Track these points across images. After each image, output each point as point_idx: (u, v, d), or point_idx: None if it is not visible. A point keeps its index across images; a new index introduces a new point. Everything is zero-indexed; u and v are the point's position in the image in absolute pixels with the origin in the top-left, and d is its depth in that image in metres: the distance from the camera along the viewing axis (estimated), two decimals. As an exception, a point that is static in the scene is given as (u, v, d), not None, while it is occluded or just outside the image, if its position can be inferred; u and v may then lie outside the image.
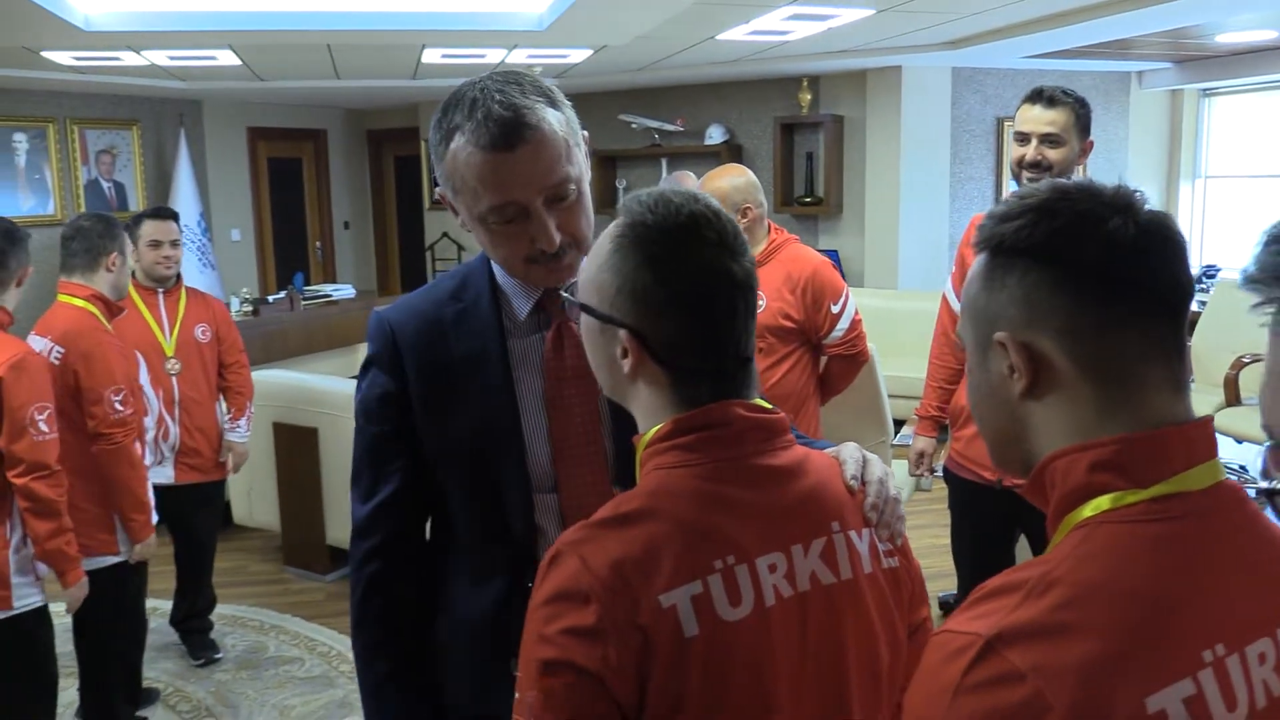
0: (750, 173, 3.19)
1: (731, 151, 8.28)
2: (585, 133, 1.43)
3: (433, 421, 1.45)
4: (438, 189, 1.45)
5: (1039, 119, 2.71)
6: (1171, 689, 0.76)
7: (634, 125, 8.46)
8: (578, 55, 6.93)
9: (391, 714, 1.51)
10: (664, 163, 8.57)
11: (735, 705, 0.97)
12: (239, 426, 3.90)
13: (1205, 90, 7.93)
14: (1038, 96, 2.76)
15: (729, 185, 3.10)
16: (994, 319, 0.89)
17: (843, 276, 3.18)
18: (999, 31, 6.29)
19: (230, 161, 9.20)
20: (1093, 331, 0.85)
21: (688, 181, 3.12)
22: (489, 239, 1.39)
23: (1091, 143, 2.79)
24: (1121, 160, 8.00)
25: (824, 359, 3.18)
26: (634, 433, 1.43)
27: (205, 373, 3.82)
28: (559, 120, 1.35)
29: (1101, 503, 0.83)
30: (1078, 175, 2.79)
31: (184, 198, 8.06)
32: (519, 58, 7.05)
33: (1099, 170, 7.94)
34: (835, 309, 3.06)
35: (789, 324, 3.04)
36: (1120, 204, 0.86)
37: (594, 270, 1.10)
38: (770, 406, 1.10)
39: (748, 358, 1.09)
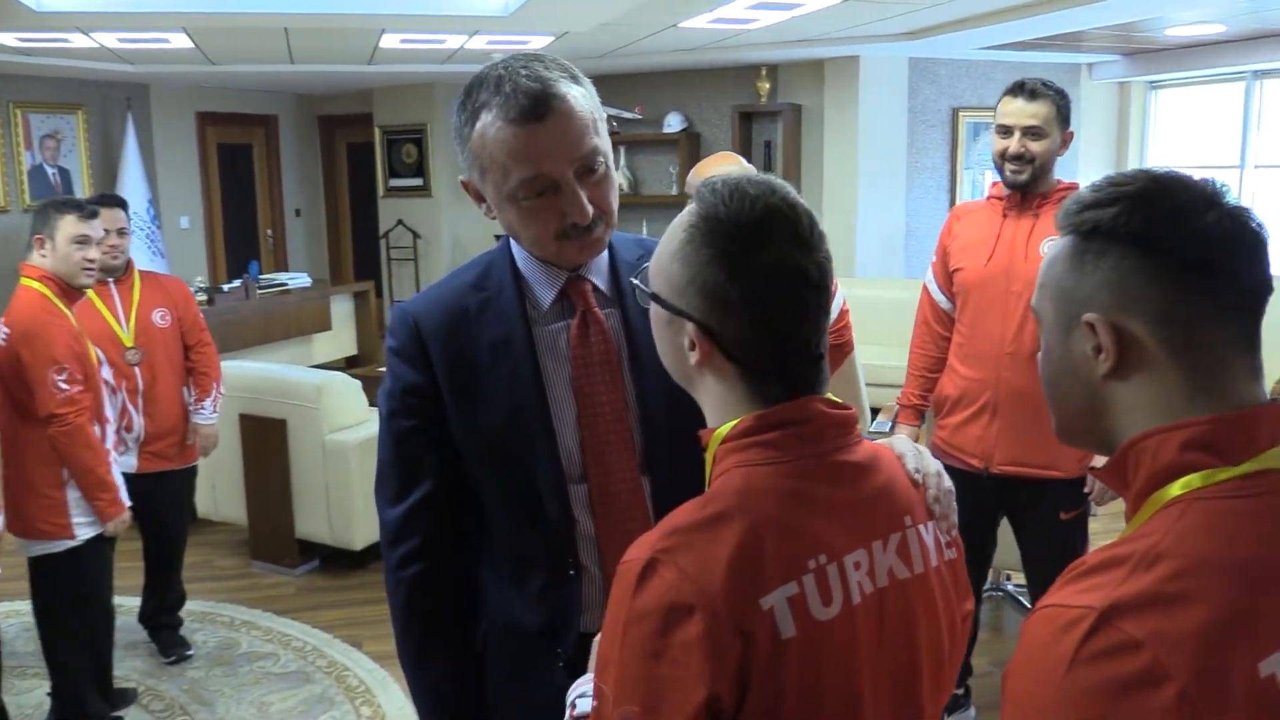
0: (744, 161, 3.20)
1: (690, 140, 8.29)
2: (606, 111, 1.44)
3: (462, 413, 1.44)
4: (461, 176, 1.44)
5: (1022, 111, 2.75)
6: (1278, 654, 0.79)
7: (592, 113, 8.43)
8: (539, 42, 6.88)
9: (449, 717, 1.50)
10: (622, 151, 8.55)
11: (828, 702, 0.98)
12: (204, 408, 3.79)
13: (1152, 83, 8.11)
14: (1019, 89, 2.79)
15: (725, 175, 3.10)
16: (1083, 300, 0.91)
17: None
18: (956, 23, 6.38)
19: (179, 147, 8.99)
20: (1184, 319, 0.87)
21: (727, 163, 3.08)
22: (518, 217, 1.37)
23: (1071, 133, 2.83)
24: (1070, 149, 8.16)
25: None
26: (664, 422, 1.44)
27: (169, 359, 3.72)
28: (583, 95, 1.35)
29: (1193, 480, 0.85)
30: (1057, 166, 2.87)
31: (131, 184, 7.86)
32: (479, 44, 6.99)
33: (1050, 160, 8.09)
34: None
35: None
36: (1213, 197, 0.89)
37: (665, 259, 1.08)
38: (841, 401, 1.09)
39: (820, 355, 1.07)
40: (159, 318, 3.71)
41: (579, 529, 1.44)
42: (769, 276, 1.02)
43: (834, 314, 3.05)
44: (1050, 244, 0.99)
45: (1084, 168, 8.23)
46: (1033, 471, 2.77)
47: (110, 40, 6.44)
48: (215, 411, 3.83)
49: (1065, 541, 2.84)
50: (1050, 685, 0.79)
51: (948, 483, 1.15)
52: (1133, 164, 8.18)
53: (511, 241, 1.48)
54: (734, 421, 1.05)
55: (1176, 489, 0.86)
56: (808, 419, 1.04)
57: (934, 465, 1.15)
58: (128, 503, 3.20)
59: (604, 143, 1.37)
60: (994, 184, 2.95)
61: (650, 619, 0.93)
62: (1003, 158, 2.80)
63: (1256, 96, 7.29)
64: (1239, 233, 0.88)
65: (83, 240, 3.13)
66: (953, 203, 7.77)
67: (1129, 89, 8.20)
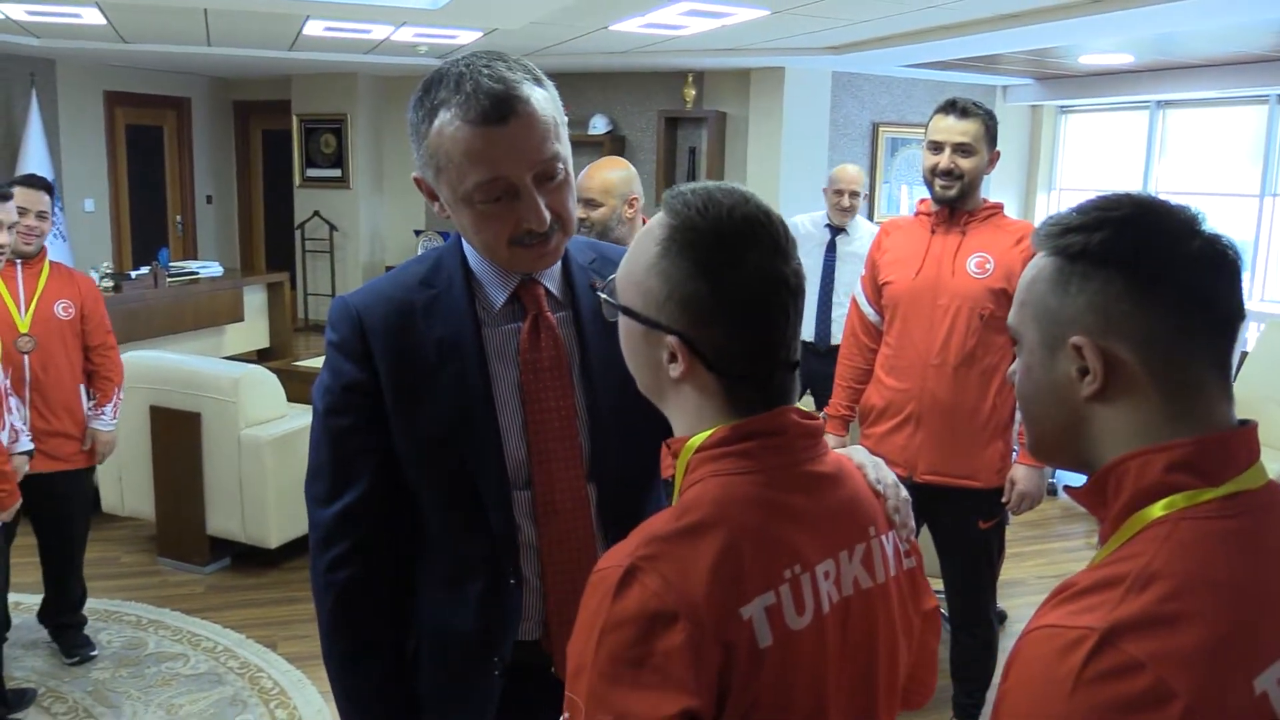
0: (628, 163, 3.26)
1: (615, 143, 8.31)
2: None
3: (404, 413, 1.39)
4: (414, 172, 1.39)
5: (953, 129, 2.83)
6: (1270, 669, 0.82)
7: (517, 111, 8.38)
8: (467, 36, 6.83)
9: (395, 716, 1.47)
10: (547, 150, 8.53)
11: (796, 709, 0.98)
12: (104, 414, 3.63)
13: (1062, 107, 8.42)
14: (951, 107, 2.87)
15: (617, 177, 3.13)
16: (1068, 322, 0.92)
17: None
18: (879, 40, 6.53)
19: (85, 127, 8.66)
20: (1169, 343, 0.89)
21: (617, 167, 3.14)
22: (473, 220, 1.33)
23: (998, 153, 2.92)
24: (984, 169, 8.42)
25: None
26: (612, 431, 1.42)
27: (66, 353, 3.56)
28: (545, 98, 1.31)
29: (1176, 500, 0.87)
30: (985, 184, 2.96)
31: (34, 163, 7.53)
32: (406, 35, 6.90)
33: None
34: None
35: None
36: (1194, 223, 0.93)
37: (640, 273, 1.06)
38: (810, 411, 1.09)
39: (795, 363, 1.07)
40: (61, 309, 3.54)
41: (521, 537, 1.42)
42: (752, 286, 1.01)
43: None
44: (1031, 263, 1.01)
45: (996, 185, 8.49)
46: (954, 481, 2.86)
47: (17, 12, 6.17)
48: (115, 418, 3.68)
49: (983, 548, 2.93)
50: (1055, 705, 0.80)
51: (904, 493, 1.18)
52: (1043, 183, 8.47)
53: (463, 239, 1.45)
54: (709, 431, 1.04)
55: (1159, 509, 0.88)
56: (782, 430, 1.04)
57: (891, 476, 1.18)
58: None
59: (564, 148, 1.33)
60: (921, 200, 3.03)
61: (629, 626, 0.92)
62: (933, 173, 2.87)
63: (1159, 125, 7.62)
64: (1220, 260, 0.92)
65: None
66: (871, 216, 7.94)
67: (1041, 112, 8.49)
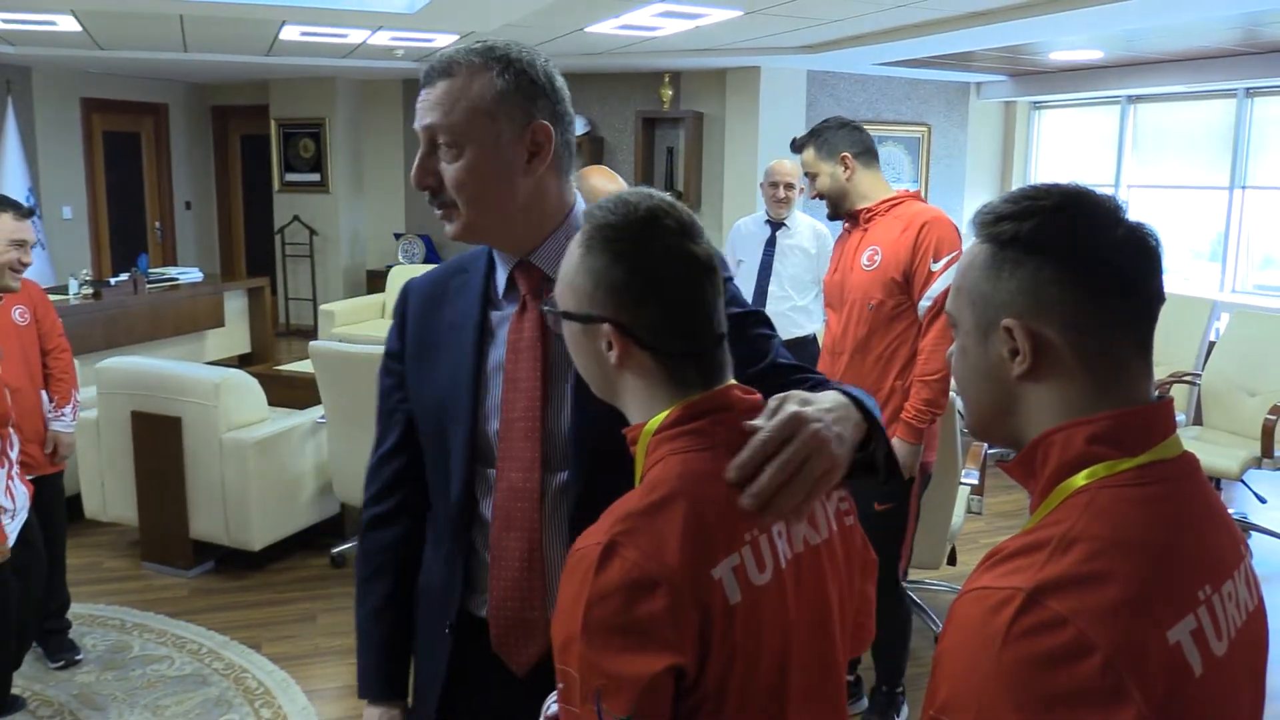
0: (616, 175, 3.33)
1: (593, 144, 8.35)
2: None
3: (413, 383, 1.56)
4: None
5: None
6: (1181, 624, 0.88)
7: (496, 113, 8.41)
8: (444, 40, 6.86)
9: (377, 642, 1.60)
10: (526, 152, 8.57)
11: (765, 658, 1.08)
12: (64, 415, 3.63)
13: (1035, 103, 8.51)
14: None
15: (600, 187, 3.20)
16: (1000, 305, 0.98)
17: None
18: (853, 39, 6.60)
19: (62, 134, 8.64)
20: (1095, 325, 0.96)
21: (601, 176, 3.20)
22: None
23: (846, 156, 3.08)
24: (960, 164, 8.50)
25: None
26: (578, 417, 1.45)
27: (25, 359, 3.52)
28: (491, 86, 1.36)
29: (1097, 470, 0.94)
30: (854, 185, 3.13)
31: (10, 171, 7.55)
32: (382, 39, 6.92)
33: (941, 171, 8.42)
34: None
35: None
36: (1119, 213, 0.99)
37: (569, 275, 1.16)
38: (749, 388, 1.19)
39: (723, 335, 1.17)
40: (18, 315, 3.52)
41: (478, 510, 1.49)
42: (664, 262, 1.12)
43: None
44: (965, 250, 1.07)
45: (971, 181, 8.59)
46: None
47: (-9, 20, 6.17)
48: (74, 420, 3.68)
49: (884, 529, 2.90)
50: (986, 660, 0.86)
51: (806, 473, 1.18)
52: (1017, 179, 8.57)
53: None
54: (663, 414, 1.13)
55: (1081, 479, 0.95)
56: (728, 405, 1.14)
57: (783, 417, 1.20)
58: (23, 515, 3.11)
59: (475, 133, 1.36)
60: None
61: (615, 597, 1.00)
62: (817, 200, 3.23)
63: (1130, 120, 7.72)
64: (1143, 246, 0.98)
65: (19, 242, 3.09)
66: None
67: (1014, 108, 8.59)
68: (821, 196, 3.15)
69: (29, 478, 3.42)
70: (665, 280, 1.12)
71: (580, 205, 1.50)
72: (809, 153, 3.14)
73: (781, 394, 1.18)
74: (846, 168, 3.07)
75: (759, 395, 1.19)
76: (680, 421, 1.12)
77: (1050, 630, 0.84)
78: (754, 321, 1.45)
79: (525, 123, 1.40)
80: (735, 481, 1.10)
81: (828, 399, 1.20)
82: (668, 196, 1.18)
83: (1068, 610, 0.85)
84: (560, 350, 1.43)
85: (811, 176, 3.15)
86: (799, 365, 1.44)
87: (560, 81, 1.45)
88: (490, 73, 1.38)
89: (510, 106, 1.39)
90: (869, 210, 3.08)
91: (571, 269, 1.16)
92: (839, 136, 3.10)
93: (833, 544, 1.19)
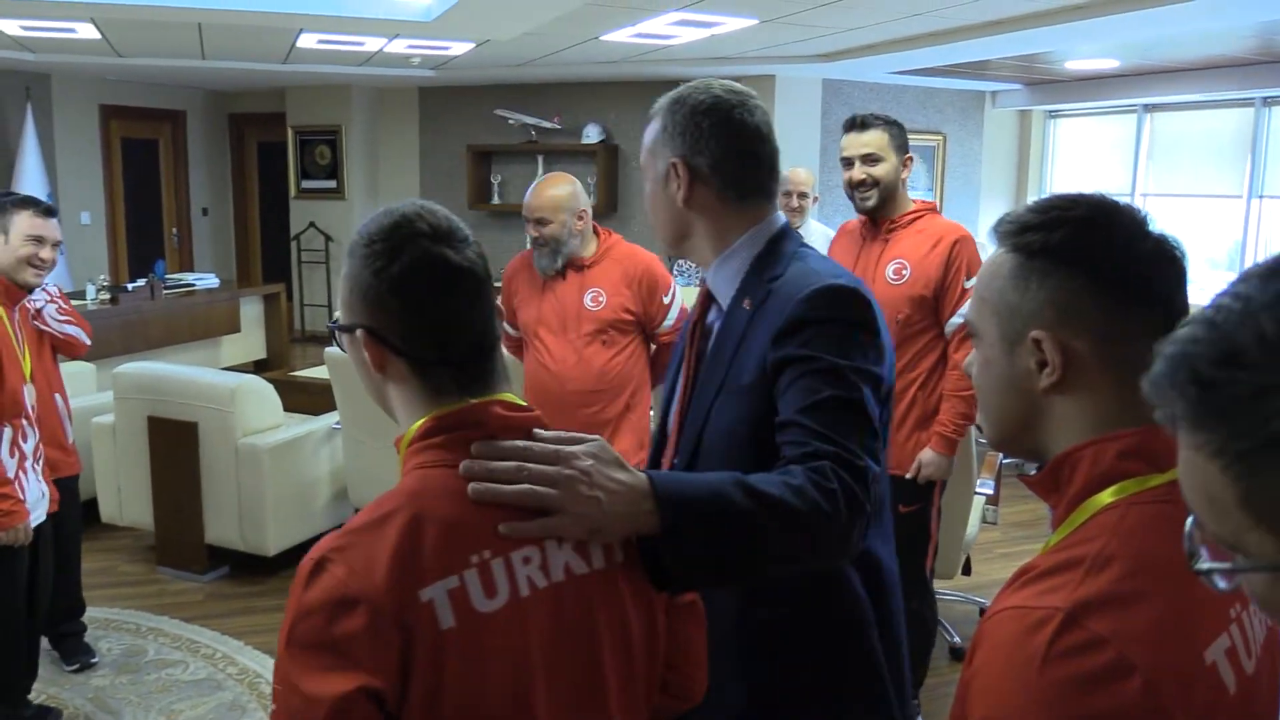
0: (574, 178, 3.37)
1: (608, 151, 8.37)
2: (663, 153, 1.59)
3: None
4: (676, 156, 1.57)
5: (856, 142, 3.03)
6: (1217, 643, 0.87)
7: (510, 121, 8.44)
8: (460, 48, 6.89)
9: None
10: (540, 159, 8.58)
11: (493, 691, 1.02)
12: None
13: (1051, 112, 8.49)
14: (852, 124, 3.09)
15: (564, 193, 3.25)
16: (1028, 316, 0.97)
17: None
18: (868, 48, 6.60)
19: (81, 140, 8.70)
20: (1123, 337, 0.94)
21: (562, 183, 3.34)
22: None
23: (910, 158, 3.08)
24: (975, 173, 8.49)
25: (653, 347, 3.40)
26: (693, 419, 1.55)
27: (44, 368, 3.47)
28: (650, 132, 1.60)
29: (1127, 486, 0.92)
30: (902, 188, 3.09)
31: (29, 176, 7.60)
32: (399, 47, 6.96)
33: (957, 180, 8.40)
34: (666, 300, 3.31)
35: (629, 316, 3.25)
36: (1146, 225, 0.98)
37: (342, 291, 1.16)
38: (526, 405, 1.15)
39: (486, 346, 1.13)
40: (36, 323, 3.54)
41: None
42: (409, 265, 1.09)
43: (675, 314, 3.30)
44: (986, 260, 1.06)
45: (986, 190, 8.57)
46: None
47: (12, 27, 6.23)
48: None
49: (907, 531, 2.94)
50: (1024, 682, 0.84)
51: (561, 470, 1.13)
52: (1033, 188, 8.54)
53: None
54: (417, 424, 1.11)
55: (1109, 495, 0.93)
56: (480, 422, 1.10)
57: (565, 456, 1.14)
58: (41, 516, 3.12)
59: (650, 164, 1.60)
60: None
61: (316, 614, 0.98)
62: (851, 186, 3.06)
63: (1146, 128, 7.70)
64: (1170, 258, 0.97)
65: (37, 238, 3.12)
66: (862, 221, 8.00)
67: (1029, 117, 8.57)
68: (875, 184, 2.99)
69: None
70: (411, 281, 1.09)
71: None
72: (881, 135, 2.99)
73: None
74: (905, 168, 3.04)
75: (534, 414, 1.15)
76: (429, 434, 1.10)
77: (1090, 651, 0.83)
78: (803, 369, 1.39)
79: (667, 151, 1.59)
80: (463, 472, 1.07)
81: (635, 478, 1.13)
82: (431, 204, 1.16)
83: (1108, 631, 0.84)
84: (705, 352, 1.62)
85: (871, 159, 2.98)
86: (801, 426, 1.35)
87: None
88: (650, 124, 1.60)
89: (662, 144, 1.62)
90: (894, 221, 3.05)
91: (342, 282, 1.16)
92: (904, 136, 3.06)
93: (612, 576, 1.13)
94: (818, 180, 8.00)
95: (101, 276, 6.92)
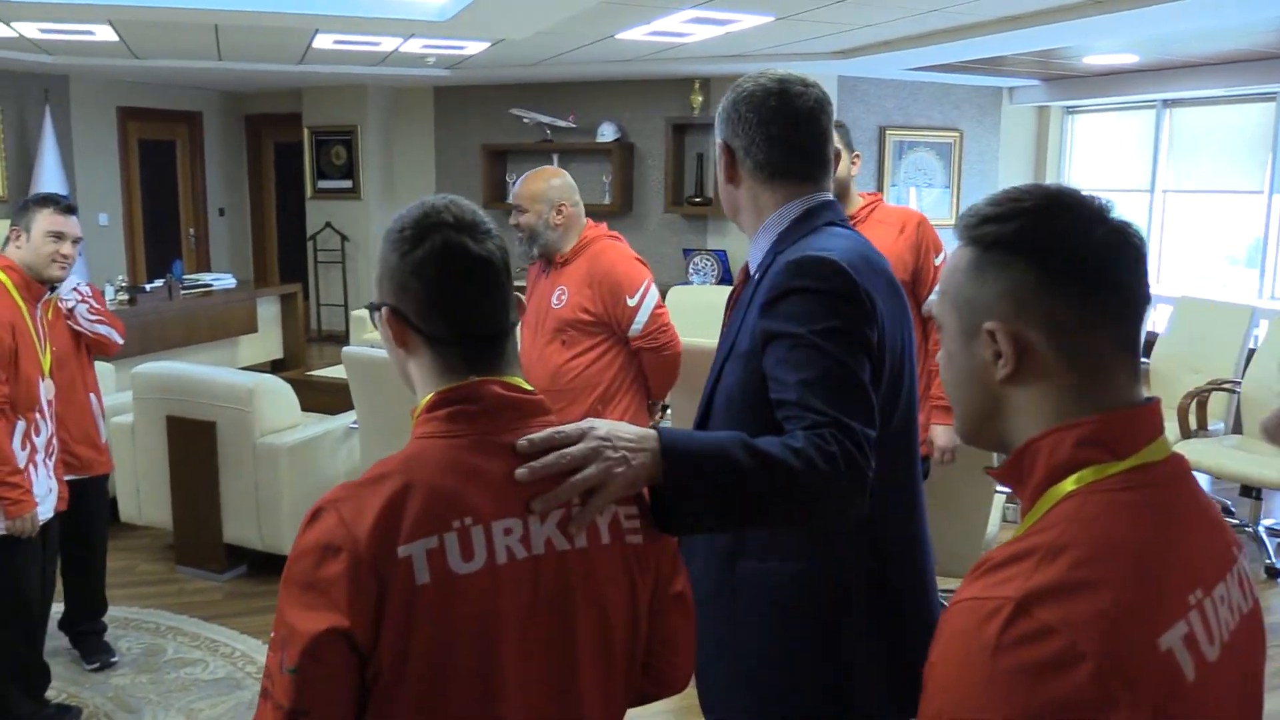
0: (566, 174, 3.38)
1: (623, 150, 8.36)
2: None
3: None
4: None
5: None
6: (1173, 629, 0.87)
7: (525, 120, 8.44)
8: (475, 47, 6.89)
9: None
10: (554, 158, 8.58)
11: (461, 647, 1.10)
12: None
13: (1069, 107, 8.43)
14: None
15: (545, 185, 3.27)
16: (984, 309, 0.97)
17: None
18: (884, 44, 6.56)
19: (98, 141, 8.76)
20: (1077, 327, 0.94)
21: (550, 176, 3.39)
22: None
23: (858, 155, 3.16)
24: (992, 170, 8.43)
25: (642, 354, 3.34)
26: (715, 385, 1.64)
27: (77, 357, 3.53)
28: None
29: (1085, 475, 0.93)
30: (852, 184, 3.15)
31: (47, 178, 7.65)
32: (414, 47, 6.97)
33: (974, 177, 8.35)
34: (632, 302, 3.22)
35: (587, 316, 3.21)
36: (1101, 213, 0.97)
37: (377, 271, 1.26)
38: (529, 388, 1.24)
39: (497, 331, 1.22)
40: (69, 324, 3.56)
41: None
42: (431, 250, 1.19)
43: (644, 317, 3.22)
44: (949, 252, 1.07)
45: (1003, 187, 8.49)
46: None
47: (31, 30, 6.26)
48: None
49: None
50: (977, 671, 0.85)
51: (582, 474, 1.20)
52: (1051, 184, 8.48)
53: None
54: (428, 397, 1.21)
55: (1070, 484, 0.94)
56: (478, 399, 1.19)
57: (570, 452, 1.20)
58: (48, 512, 3.14)
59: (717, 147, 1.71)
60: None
61: (308, 555, 1.09)
62: None
63: (1165, 124, 7.63)
64: (1124, 246, 0.96)
65: (57, 234, 3.19)
66: (878, 218, 7.96)
67: (1047, 113, 8.51)
68: None
69: (71, 478, 3.45)
70: (433, 266, 1.18)
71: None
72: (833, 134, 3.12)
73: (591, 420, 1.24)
74: (854, 165, 3.09)
75: (533, 395, 1.23)
76: (434, 407, 1.19)
77: (1039, 640, 0.83)
78: (789, 344, 1.46)
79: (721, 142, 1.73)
80: (522, 451, 1.16)
81: (644, 431, 1.26)
82: (460, 199, 1.25)
83: (1056, 620, 0.84)
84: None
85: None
86: (797, 403, 1.40)
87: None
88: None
89: (730, 134, 1.74)
90: (852, 217, 3.07)
91: (377, 264, 1.26)
92: (849, 136, 3.11)
93: (593, 556, 1.19)
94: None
95: (120, 277, 6.96)
